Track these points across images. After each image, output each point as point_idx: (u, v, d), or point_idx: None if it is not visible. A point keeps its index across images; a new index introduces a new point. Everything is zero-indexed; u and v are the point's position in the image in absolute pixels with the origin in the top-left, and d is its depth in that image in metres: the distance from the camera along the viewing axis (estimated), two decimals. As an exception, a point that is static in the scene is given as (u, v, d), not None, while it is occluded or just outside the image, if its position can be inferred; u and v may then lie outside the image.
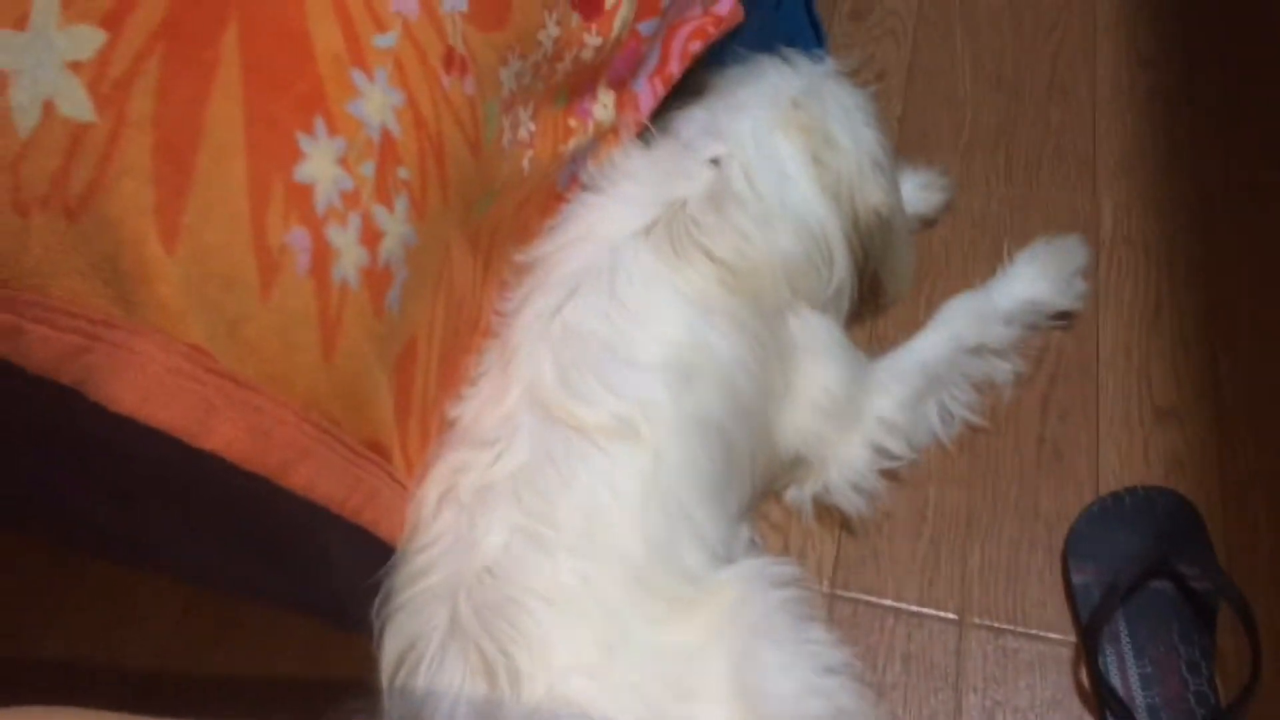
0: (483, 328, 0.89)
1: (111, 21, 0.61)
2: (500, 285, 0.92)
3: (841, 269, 1.04)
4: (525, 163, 0.86)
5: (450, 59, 0.74)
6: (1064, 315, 1.16)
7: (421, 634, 0.77)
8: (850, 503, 1.03)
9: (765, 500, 1.05)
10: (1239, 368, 1.12)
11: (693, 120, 1.05)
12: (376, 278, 0.68)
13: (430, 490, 0.82)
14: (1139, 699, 0.92)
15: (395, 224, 0.69)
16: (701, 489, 0.87)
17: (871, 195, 1.05)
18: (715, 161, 0.99)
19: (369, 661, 0.78)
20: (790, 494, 1.04)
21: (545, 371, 0.85)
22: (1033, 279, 1.15)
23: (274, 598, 0.93)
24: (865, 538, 1.04)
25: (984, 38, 1.46)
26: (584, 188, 0.99)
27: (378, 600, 0.79)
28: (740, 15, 1.07)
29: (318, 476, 0.67)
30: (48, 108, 0.59)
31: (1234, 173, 1.28)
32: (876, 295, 1.17)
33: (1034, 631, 0.98)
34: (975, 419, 1.09)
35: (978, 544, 1.03)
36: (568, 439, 0.83)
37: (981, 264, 1.23)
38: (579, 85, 0.94)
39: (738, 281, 0.94)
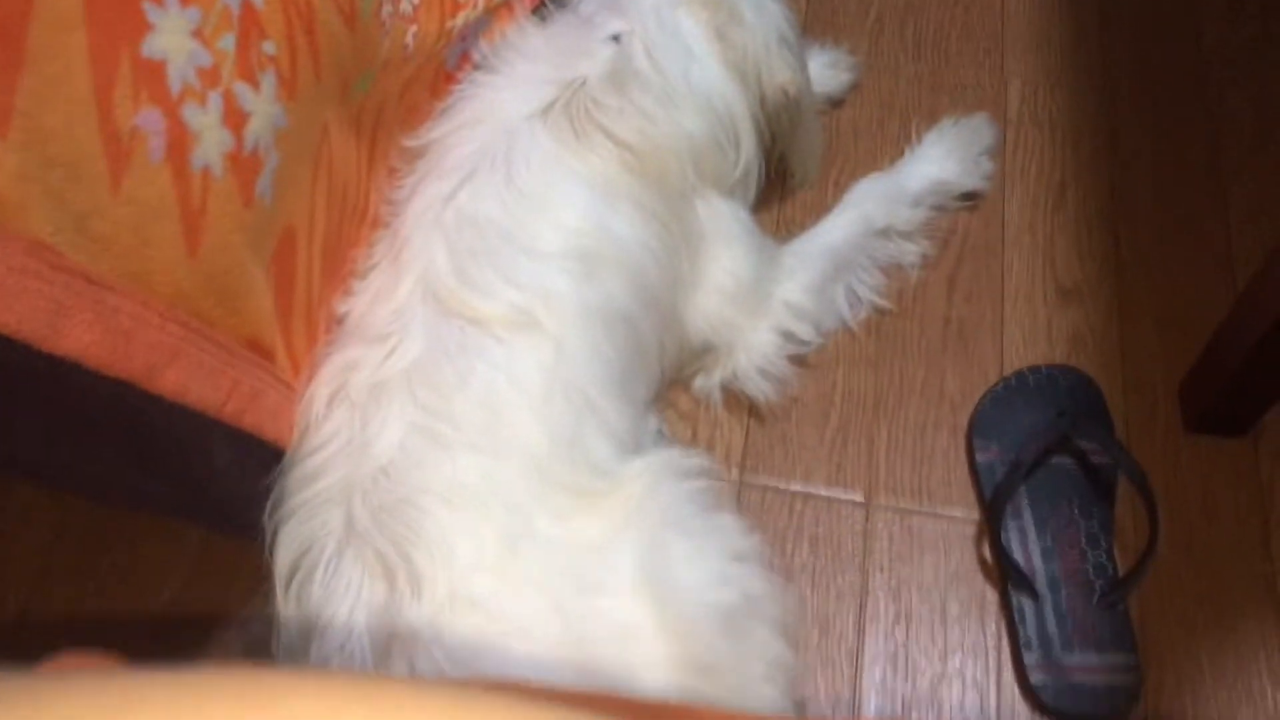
0: (371, 218, 0.85)
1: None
2: (389, 172, 0.87)
3: (748, 150, 1.01)
4: (409, 39, 0.81)
5: (316, -79, 0.67)
6: (971, 196, 1.15)
7: (316, 539, 0.74)
8: (758, 389, 1.02)
9: (673, 389, 1.03)
10: (1141, 247, 1.13)
11: None
12: (243, 163, 0.63)
13: (320, 390, 0.78)
14: (1040, 571, 0.94)
15: (262, 104, 0.64)
16: (606, 379, 0.84)
17: (779, 73, 1.01)
18: (616, 38, 0.94)
19: (262, 570, 0.74)
20: (698, 382, 1.03)
21: (439, 262, 0.81)
22: (940, 159, 1.14)
23: (158, 507, 0.89)
24: (773, 424, 1.03)
25: (892, -90, 1.41)
26: (476, 67, 0.94)
27: (268, 506, 0.76)
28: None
29: (189, 380, 0.63)
30: None
31: (1140, 52, 1.27)
32: (783, 179, 1.15)
33: (938, 510, 0.99)
34: (882, 302, 1.08)
35: (884, 426, 1.04)
36: (464, 331, 0.79)
37: (889, 145, 1.20)
38: (465, -45, 0.88)
39: (641, 164, 0.90)
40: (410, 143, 0.89)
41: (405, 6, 0.80)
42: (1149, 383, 1.05)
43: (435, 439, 0.75)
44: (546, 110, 0.89)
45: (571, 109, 0.89)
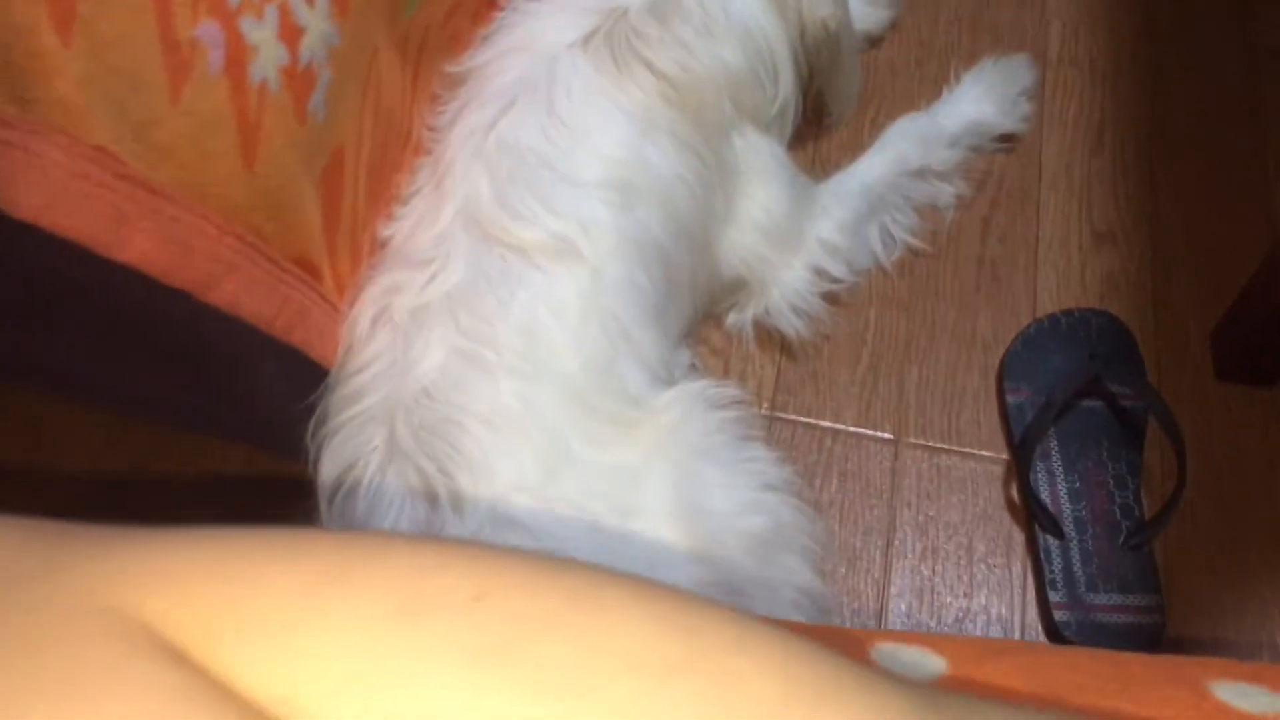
0: (414, 143, 0.85)
1: None
2: (431, 99, 0.88)
3: (786, 85, 1.01)
4: (455, -39, 0.81)
5: None
6: (1008, 138, 1.14)
7: (359, 456, 0.75)
8: (790, 325, 1.02)
9: (705, 325, 1.04)
10: (1177, 192, 1.12)
11: None
12: (298, 79, 0.63)
13: (363, 311, 0.79)
14: (1067, 511, 0.95)
15: (316, 20, 0.64)
16: (641, 309, 0.85)
17: (819, 7, 1.01)
18: None
19: (305, 488, 0.76)
20: (731, 318, 1.03)
21: (481, 189, 0.82)
22: (978, 100, 1.13)
23: (203, 425, 0.91)
24: (805, 361, 1.04)
25: None
26: None
27: (312, 423, 0.77)
28: None
29: (244, 292, 0.64)
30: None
31: (1183, -7, 1.26)
32: (820, 116, 1.14)
33: (967, 450, 1.00)
34: (916, 242, 1.08)
35: (915, 366, 1.04)
36: (505, 258, 0.80)
37: (927, 85, 1.19)
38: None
39: (680, 96, 0.90)
40: (453, 69, 0.89)
41: (453, -71, 0.80)
42: (1181, 329, 1.05)
43: (476, 362, 0.76)
44: (588, 39, 0.89)
45: (612, 39, 0.89)
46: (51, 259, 0.57)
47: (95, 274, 0.58)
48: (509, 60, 0.88)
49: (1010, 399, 1.00)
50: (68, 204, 0.54)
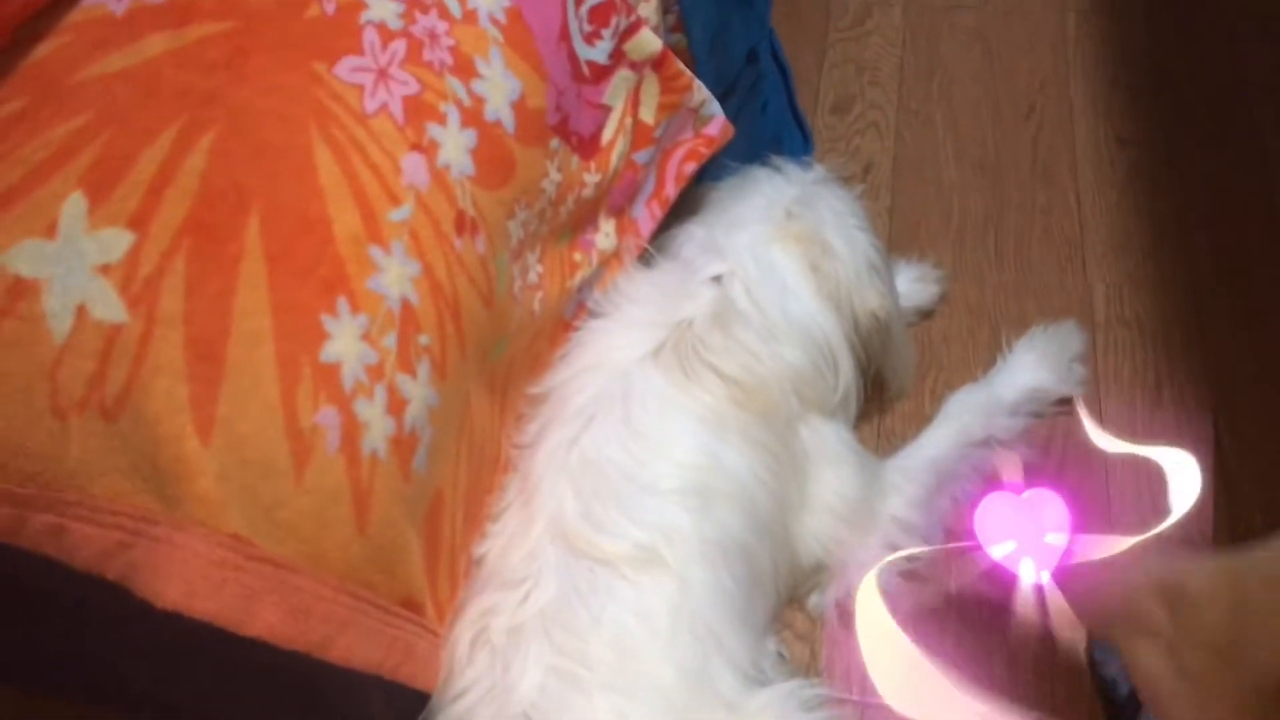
0: (502, 463, 0.91)
1: (138, 222, 0.63)
2: (516, 418, 0.94)
3: (847, 374, 1.06)
4: (536, 305, 0.89)
5: (461, 222, 0.76)
6: (1067, 400, 1.18)
7: (465, 785, 0.77)
8: (872, 605, 1.04)
9: (789, 609, 1.06)
10: (1245, 439, 1.14)
11: (692, 239, 1.07)
12: (403, 444, 0.70)
13: (462, 634, 0.83)
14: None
15: (419, 389, 0.71)
16: (729, 610, 0.88)
17: (869, 299, 1.07)
18: (717, 279, 1.01)
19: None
20: (813, 600, 1.05)
21: (567, 505, 0.86)
22: (1033, 367, 1.17)
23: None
24: (890, 640, 1.05)
25: (964, 125, 1.50)
26: (591, 314, 1.01)
27: (416, 756, 0.79)
28: (731, 132, 1.11)
29: (356, 645, 0.68)
30: (80, 312, 0.62)
31: (1221, 242, 1.31)
32: (881, 392, 1.19)
33: (1064, 725, 0.99)
34: (989, 512, 1.11)
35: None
36: (593, 572, 0.84)
37: (981, 351, 1.25)
38: (581, 220, 0.97)
39: (748, 398, 0.96)
40: (534, 390, 0.96)
41: (532, 277, 0.89)
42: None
43: (573, 681, 0.79)
44: (657, 351, 0.95)
45: (680, 349, 0.96)
46: (187, 630, 0.62)
47: (221, 641, 0.63)
48: (585, 378, 0.95)
49: (1104, 671, 1.00)
50: (207, 589, 0.60)
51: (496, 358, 0.84)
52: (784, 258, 1.06)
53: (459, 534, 0.82)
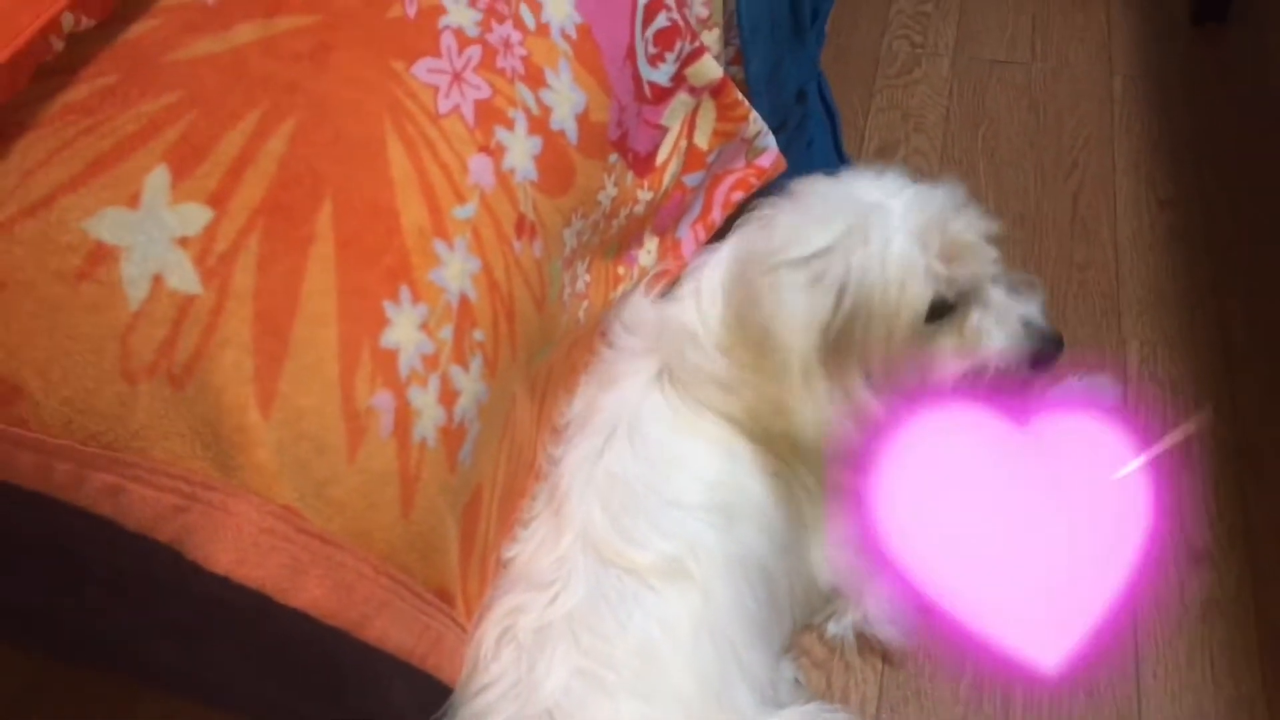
0: (536, 469, 0.93)
1: (218, 200, 0.66)
2: (551, 429, 0.95)
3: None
4: (581, 313, 0.91)
5: (521, 225, 0.78)
6: (1094, 453, 1.18)
7: (483, 778, 0.78)
8: (889, 635, 1.04)
9: (806, 636, 1.06)
10: (1273, 510, 1.14)
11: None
12: (452, 435, 0.72)
13: (489, 631, 0.84)
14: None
15: (470, 382, 0.73)
16: (749, 627, 0.89)
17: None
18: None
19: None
20: (830, 627, 1.06)
21: (596, 517, 0.88)
22: (1063, 418, 1.18)
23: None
24: (907, 675, 1.05)
25: (1007, 176, 1.52)
26: (603, 335, 1.01)
27: (437, 743, 0.80)
28: (783, 166, 1.13)
29: (391, 627, 0.69)
30: (157, 281, 0.64)
31: (1257, 313, 1.32)
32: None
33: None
34: (1012, 556, 1.11)
35: (1019, 680, 1.04)
36: (620, 580, 0.85)
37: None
38: (629, 236, 0.99)
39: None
40: (566, 402, 0.97)
41: (580, 285, 0.91)
42: (1287, 648, 1.04)
43: (598, 683, 0.80)
44: (659, 376, 0.95)
45: (678, 377, 0.96)
46: (229, 598, 0.64)
47: (261, 609, 0.65)
48: (607, 396, 0.96)
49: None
50: (256, 557, 0.62)
51: (541, 361, 0.86)
52: None
53: (493, 532, 0.84)
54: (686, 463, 0.92)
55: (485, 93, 0.78)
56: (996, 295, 0.98)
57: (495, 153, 0.77)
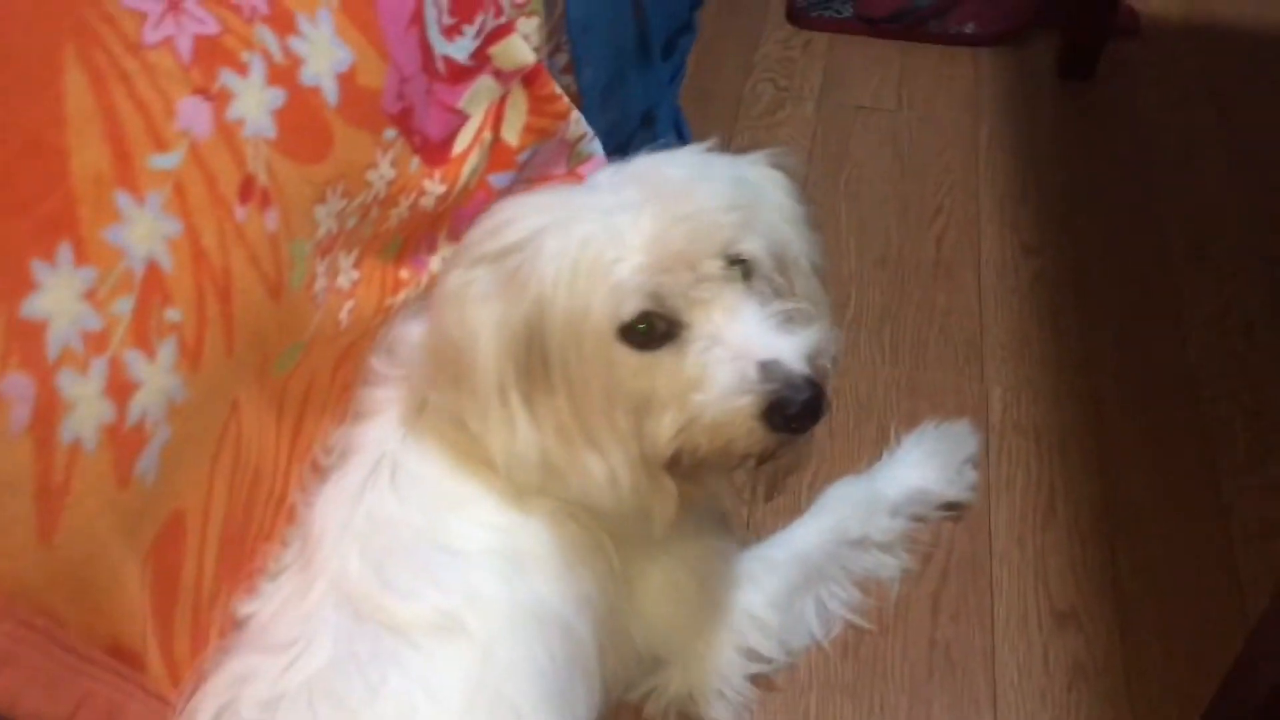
0: (288, 508, 0.76)
1: None
2: (313, 463, 0.79)
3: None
4: (344, 314, 0.76)
5: (249, 188, 0.64)
6: (954, 506, 1.07)
7: None
8: (718, 715, 0.90)
9: (622, 714, 0.91)
10: (1140, 565, 1.04)
11: None
12: (124, 438, 0.56)
13: (204, 704, 0.67)
14: None
15: (156, 374, 0.58)
16: (540, 690, 0.73)
17: None
18: None
19: None
20: (650, 706, 0.91)
21: (352, 565, 0.72)
22: (920, 466, 1.07)
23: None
24: (737, 764, 0.90)
25: (869, 220, 1.44)
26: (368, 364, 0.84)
27: None
28: (608, 175, 1.01)
29: (23, 689, 0.52)
30: None
31: (1125, 362, 1.24)
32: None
33: None
34: (859, 620, 0.98)
35: (864, 768, 0.91)
36: (378, 638, 0.70)
37: (867, 447, 1.14)
38: (416, 234, 0.85)
39: None
40: (331, 431, 0.81)
41: (342, 281, 0.76)
42: (1162, 712, 0.93)
43: (332, 769, 0.63)
44: (420, 410, 0.80)
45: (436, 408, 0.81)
46: None
47: None
48: (364, 427, 0.80)
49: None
50: None
51: (286, 370, 0.71)
52: None
53: (210, 576, 0.67)
54: (465, 506, 0.77)
55: (211, 28, 0.64)
56: (740, 324, 0.72)
57: (218, 98, 0.63)
